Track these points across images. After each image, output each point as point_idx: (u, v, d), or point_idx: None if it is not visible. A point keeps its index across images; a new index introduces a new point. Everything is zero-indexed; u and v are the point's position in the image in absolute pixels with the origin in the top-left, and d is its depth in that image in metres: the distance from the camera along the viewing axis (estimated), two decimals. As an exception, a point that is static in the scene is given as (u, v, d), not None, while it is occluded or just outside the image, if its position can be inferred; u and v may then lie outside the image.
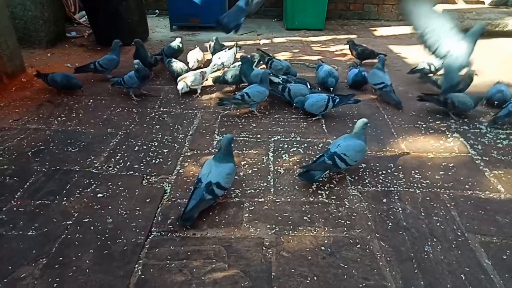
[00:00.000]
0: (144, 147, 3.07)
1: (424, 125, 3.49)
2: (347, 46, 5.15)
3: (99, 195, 2.51)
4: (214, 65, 4.39)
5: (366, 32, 6.65)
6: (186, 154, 2.99)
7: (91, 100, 3.84)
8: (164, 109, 3.70)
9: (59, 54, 5.17)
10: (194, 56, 4.57)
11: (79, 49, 5.42)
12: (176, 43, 4.71)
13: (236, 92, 3.91)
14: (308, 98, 3.53)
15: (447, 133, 3.35)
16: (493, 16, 6.35)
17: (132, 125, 3.40)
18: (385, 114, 3.69)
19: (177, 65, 4.28)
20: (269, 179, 2.70)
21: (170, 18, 6.35)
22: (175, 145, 3.11)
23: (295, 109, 3.72)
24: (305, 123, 3.48)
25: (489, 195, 2.57)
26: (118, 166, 2.81)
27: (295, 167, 2.84)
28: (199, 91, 4.05)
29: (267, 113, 3.68)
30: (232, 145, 2.69)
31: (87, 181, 2.64)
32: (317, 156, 2.77)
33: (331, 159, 2.57)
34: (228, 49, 4.67)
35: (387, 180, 2.71)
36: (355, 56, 4.95)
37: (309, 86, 3.90)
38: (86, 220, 2.29)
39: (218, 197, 2.36)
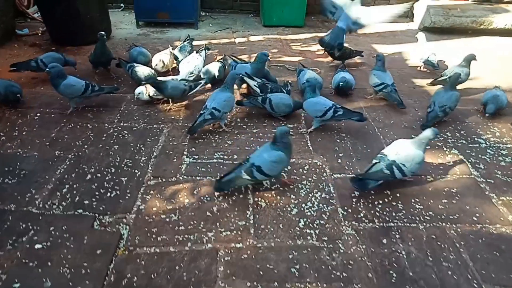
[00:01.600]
0: (98, 175, 2.57)
1: (418, 140, 3.13)
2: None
3: (37, 246, 2.01)
4: (190, 73, 3.84)
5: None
6: (149, 183, 2.52)
7: (38, 114, 3.28)
8: (125, 124, 3.20)
9: (6, 55, 4.53)
10: (159, 57, 4.03)
11: (30, 49, 4.78)
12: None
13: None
14: (310, 97, 3.17)
15: (445, 149, 3.01)
16: (477, 13, 6.09)
17: (86, 146, 2.88)
18: (375, 126, 3.32)
19: (141, 70, 3.75)
20: (248, 215, 2.28)
21: (136, 13, 5.76)
22: (136, 171, 2.63)
23: (276, 121, 3.30)
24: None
25: (501, 230, 2.24)
26: (64, 203, 2.31)
27: (278, 198, 2.42)
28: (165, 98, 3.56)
29: (244, 126, 3.23)
30: (204, 169, 2.50)
31: (24, 225, 2.13)
32: (373, 162, 2.50)
33: (389, 169, 2.40)
34: (196, 52, 4.14)
35: (385, 213, 2.33)
36: (333, 57, 4.55)
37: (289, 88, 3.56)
38: (17, 286, 1.80)
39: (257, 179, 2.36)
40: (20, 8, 5.69)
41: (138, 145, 2.92)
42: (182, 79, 3.62)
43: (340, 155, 2.89)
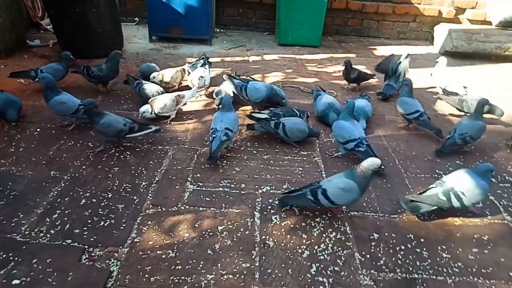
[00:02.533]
0: (94, 200, 2.37)
1: (444, 175, 2.86)
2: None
3: (14, 282, 1.80)
4: (201, 88, 3.68)
5: (365, 51, 6.07)
6: (147, 212, 2.30)
7: (38, 129, 3.11)
8: (128, 144, 3.01)
9: (15, 66, 4.42)
10: (162, 72, 3.89)
11: (40, 61, 4.67)
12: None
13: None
14: (343, 118, 2.98)
15: (473, 187, 2.73)
16: (502, 39, 5.85)
17: (84, 166, 2.69)
18: (396, 158, 3.07)
19: (150, 87, 3.59)
20: (253, 256, 2.03)
21: (150, 28, 5.66)
22: (135, 197, 2.42)
23: (288, 147, 3.08)
24: (300, 169, 2.83)
25: (543, 289, 1.95)
26: (52, 231, 2.10)
27: (288, 237, 2.18)
28: (172, 116, 3.38)
29: (254, 152, 3.01)
30: (208, 199, 2.34)
31: (4, 255, 1.93)
32: (430, 187, 2.41)
33: (445, 195, 2.29)
34: (200, 65, 4.02)
35: (408, 261, 2.07)
36: (349, 79, 4.34)
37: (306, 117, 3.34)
38: (-15, 331, 1.58)
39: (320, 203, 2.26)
40: (34, 19, 5.65)
41: (140, 168, 2.72)
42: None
43: (355, 187, 2.64)
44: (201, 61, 4.18)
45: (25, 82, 3.95)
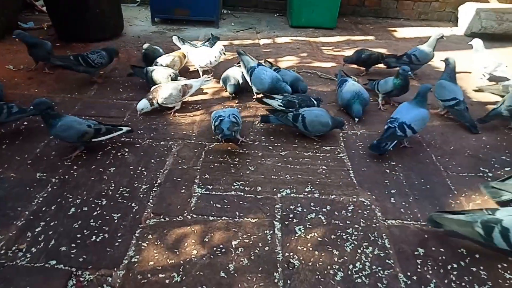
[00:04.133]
0: (85, 208, 2.02)
1: (489, 173, 2.49)
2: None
3: (-17, 319, 1.46)
4: (208, 78, 3.26)
5: (384, 33, 5.60)
6: (147, 223, 1.95)
7: (25, 123, 2.75)
8: (126, 139, 2.64)
9: (4, 50, 4.05)
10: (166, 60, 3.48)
11: (32, 45, 4.28)
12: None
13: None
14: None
15: (527, 187, 2.34)
16: (536, 19, 5.34)
17: (75, 167, 2.33)
18: (432, 153, 2.67)
19: (162, 72, 3.19)
20: (276, 279, 1.68)
21: (152, 9, 5.24)
22: (133, 204, 2.06)
23: (308, 142, 2.70)
24: (324, 167, 2.45)
25: None
26: (34, 249, 1.76)
27: (317, 253, 1.81)
28: (177, 107, 2.99)
29: (270, 147, 2.64)
30: (219, 205, 1.83)
31: (-27, 282, 1.59)
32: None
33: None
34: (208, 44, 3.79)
35: (463, 284, 1.70)
36: (361, 64, 3.95)
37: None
38: None
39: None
40: (28, 0, 5.25)
41: (140, 168, 2.35)
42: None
43: (393, 191, 2.26)
44: (207, 43, 3.80)
45: (14, 69, 3.58)
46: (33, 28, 4.77)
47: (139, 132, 2.73)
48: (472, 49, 3.93)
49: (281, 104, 2.87)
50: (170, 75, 3.18)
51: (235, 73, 3.28)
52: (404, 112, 2.60)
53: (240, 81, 3.24)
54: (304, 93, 3.14)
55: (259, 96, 3.07)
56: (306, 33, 5.32)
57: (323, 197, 2.19)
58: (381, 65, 3.95)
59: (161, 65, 3.37)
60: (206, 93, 3.36)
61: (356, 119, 2.94)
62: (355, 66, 4.03)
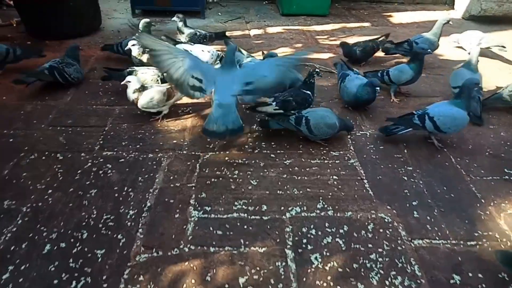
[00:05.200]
0: (62, 244, 1.71)
1: (515, 176, 2.25)
2: (362, 38, 3.88)
3: None
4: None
5: (380, 19, 5.31)
6: (138, 260, 1.65)
7: (-10, 138, 2.41)
8: (109, 153, 2.32)
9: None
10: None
11: (-1, 45, 3.87)
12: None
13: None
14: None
15: None
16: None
17: (50, 190, 2.01)
18: (450, 154, 2.43)
19: (145, 75, 2.85)
20: (294, 327, 1.41)
21: (132, 0, 4.83)
22: (120, 236, 1.76)
23: (314, 147, 2.42)
24: (335, 177, 2.18)
25: None
26: (0, 304, 1.45)
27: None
28: (165, 111, 2.67)
29: (272, 156, 2.35)
30: (220, 232, 1.70)
31: None
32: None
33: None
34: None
35: (512, 320, 1.46)
36: (355, 59, 3.66)
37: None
38: None
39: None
40: (-7, -6, 4.79)
41: (126, 189, 2.05)
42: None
43: (414, 203, 2.01)
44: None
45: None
46: (1, 25, 4.33)
47: (123, 143, 2.41)
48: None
49: (277, 108, 2.57)
50: (159, 76, 2.85)
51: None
52: (438, 106, 2.45)
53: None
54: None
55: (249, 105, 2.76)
56: (298, 22, 4.99)
57: (338, 214, 1.92)
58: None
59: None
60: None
61: (377, 89, 2.68)
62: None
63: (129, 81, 2.57)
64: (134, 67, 2.93)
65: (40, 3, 3.80)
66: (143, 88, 2.56)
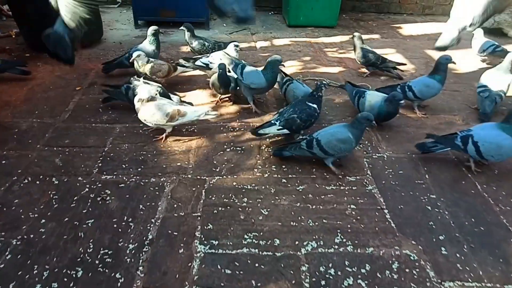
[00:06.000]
0: (54, 284, 1.54)
1: (548, 205, 2.07)
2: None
3: None
4: (213, 112, 2.60)
5: (389, 31, 5.17)
6: (137, 305, 1.48)
7: (-20, 160, 2.25)
8: (108, 177, 2.16)
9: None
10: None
11: (-3, 56, 3.74)
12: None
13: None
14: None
15: None
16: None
17: (43, 220, 1.85)
18: (476, 180, 2.25)
19: (145, 90, 2.69)
20: None
21: (134, 10, 4.71)
22: (118, 274, 1.59)
23: (328, 170, 2.25)
24: (353, 206, 2.01)
25: None
26: None
27: None
28: (168, 130, 2.51)
29: (283, 181, 2.18)
30: (228, 271, 1.46)
31: None
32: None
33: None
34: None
35: None
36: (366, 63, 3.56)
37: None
38: None
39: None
40: (-7, 4, 4.68)
41: (125, 219, 1.88)
42: None
43: (441, 238, 1.83)
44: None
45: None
46: (0, 36, 4.20)
47: (124, 166, 2.25)
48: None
49: (281, 127, 2.41)
50: (158, 91, 2.69)
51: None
52: (484, 128, 2.28)
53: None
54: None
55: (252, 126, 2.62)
56: (305, 33, 4.86)
57: (359, 251, 1.74)
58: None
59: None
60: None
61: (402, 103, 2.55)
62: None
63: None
64: (135, 80, 2.77)
65: (39, 16, 3.65)
66: (152, 98, 2.41)
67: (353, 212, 1.96)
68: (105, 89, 2.84)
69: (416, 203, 2.05)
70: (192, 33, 3.51)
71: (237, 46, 3.20)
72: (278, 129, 2.42)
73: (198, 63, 3.16)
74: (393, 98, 2.52)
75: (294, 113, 2.42)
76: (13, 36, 4.20)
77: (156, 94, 2.59)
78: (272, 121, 2.45)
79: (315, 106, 2.46)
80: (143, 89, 2.44)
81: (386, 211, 1.99)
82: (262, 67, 2.85)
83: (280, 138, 2.56)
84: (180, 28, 3.53)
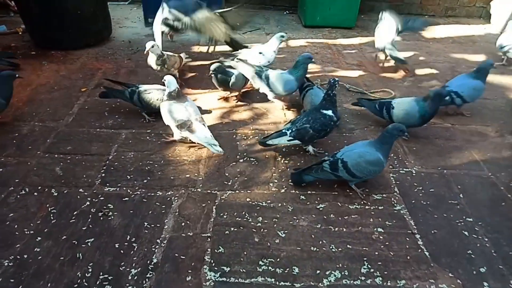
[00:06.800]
0: (46, 317, 1.36)
1: None
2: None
3: None
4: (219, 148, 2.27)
5: (411, 33, 4.90)
6: None
7: (-25, 169, 2.09)
8: (111, 189, 1.98)
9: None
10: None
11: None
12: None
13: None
14: None
15: None
16: None
17: (39, 238, 1.68)
18: (515, 201, 2.02)
19: (155, 94, 2.52)
20: None
21: (145, 8, 4.53)
22: (118, 306, 1.41)
23: (351, 188, 2.04)
24: (380, 230, 1.80)
25: None
26: None
27: None
28: (176, 138, 2.33)
29: (303, 198, 1.99)
30: None
31: None
32: None
33: None
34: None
35: None
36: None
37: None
38: None
39: None
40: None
41: (128, 238, 1.70)
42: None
43: (482, 270, 1.62)
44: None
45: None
46: (6, 33, 4.07)
47: (129, 176, 2.08)
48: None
49: (292, 138, 2.22)
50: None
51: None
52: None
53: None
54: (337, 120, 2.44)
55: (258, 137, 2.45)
56: (322, 34, 4.64)
57: (389, 284, 1.54)
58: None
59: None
60: (213, 116, 2.70)
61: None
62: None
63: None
64: (140, 86, 2.59)
65: (44, 12, 3.52)
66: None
67: (381, 237, 1.76)
68: (103, 91, 2.65)
69: (451, 227, 1.84)
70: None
71: (283, 36, 3.09)
72: (288, 140, 2.23)
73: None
74: (438, 95, 2.32)
75: (307, 122, 2.23)
76: (20, 33, 4.07)
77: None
78: (283, 131, 2.26)
79: (330, 113, 2.25)
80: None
81: (417, 236, 1.78)
82: (286, 70, 2.69)
83: (297, 147, 2.36)
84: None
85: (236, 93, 2.91)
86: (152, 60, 2.82)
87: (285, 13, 5.47)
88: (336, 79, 2.27)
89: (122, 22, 4.67)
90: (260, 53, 3.06)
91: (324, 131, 2.25)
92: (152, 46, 2.76)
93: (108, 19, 4.09)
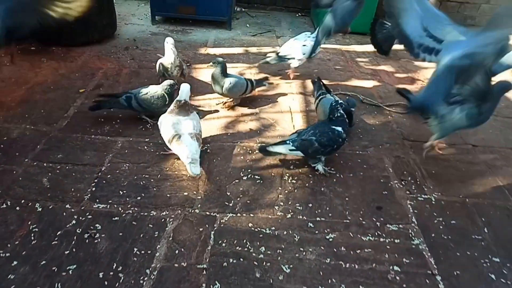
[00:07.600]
0: None
1: None
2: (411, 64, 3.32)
3: None
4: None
5: (428, 41, 4.68)
6: None
7: (-43, 175, 1.92)
8: (101, 206, 1.81)
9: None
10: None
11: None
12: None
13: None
14: None
15: None
16: None
17: (15, 262, 1.51)
18: (547, 239, 1.82)
19: (152, 90, 2.37)
20: None
21: (152, 5, 4.36)
22: None
23: (365, 212, 1.85)
24: (396, 267, 1.61)
25: None
26: None
27: None
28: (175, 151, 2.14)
29: (311, 225, 1.80)
30: None
31: None
32: None
33: None
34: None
35: None
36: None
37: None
38: None
39: None
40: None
41: (114, 266, 1.52)
42: None
43: (513, 324, 1.42)
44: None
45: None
46: (6, 26, 3.90)
47: (121, 192, 1.90)
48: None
49: (294, 148, 2.05)
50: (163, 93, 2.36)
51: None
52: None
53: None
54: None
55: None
56: (335, 39, 4.43)
57: (407, 337, 1.35)
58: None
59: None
60: (214, 126, 2.52)
61: None
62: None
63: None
64: (132, 91, 2.42)
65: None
66: None
67: (397, 277, 1.57)
68: (98, 99, 2.46)
69: (476, 267, 1.65)
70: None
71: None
72: (290, 149, 2.06)
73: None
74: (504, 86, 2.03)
75: (313, 135, 2.05)
76: (21, 27, 3.90)
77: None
78: (287, 141, 2.09)
79: (340, 129, 2.07)
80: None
81: (439, 278, 1.59)
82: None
83: (305, 165, 2.17)
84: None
85: (231, 100, 2.73)
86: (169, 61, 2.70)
87: (297, 15, 5.27)
88: (338, 101, 2.10)
89: (128, 19, 4.50)
90: (304, 45, 3.08)
91: (330, 147, 2.06)
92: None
93: (114, 15, 3.91)
